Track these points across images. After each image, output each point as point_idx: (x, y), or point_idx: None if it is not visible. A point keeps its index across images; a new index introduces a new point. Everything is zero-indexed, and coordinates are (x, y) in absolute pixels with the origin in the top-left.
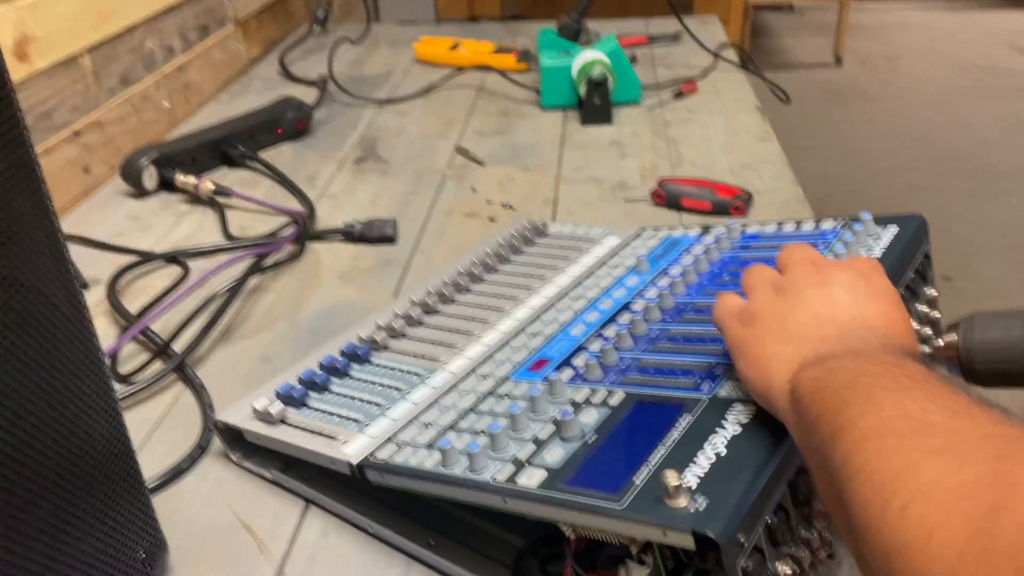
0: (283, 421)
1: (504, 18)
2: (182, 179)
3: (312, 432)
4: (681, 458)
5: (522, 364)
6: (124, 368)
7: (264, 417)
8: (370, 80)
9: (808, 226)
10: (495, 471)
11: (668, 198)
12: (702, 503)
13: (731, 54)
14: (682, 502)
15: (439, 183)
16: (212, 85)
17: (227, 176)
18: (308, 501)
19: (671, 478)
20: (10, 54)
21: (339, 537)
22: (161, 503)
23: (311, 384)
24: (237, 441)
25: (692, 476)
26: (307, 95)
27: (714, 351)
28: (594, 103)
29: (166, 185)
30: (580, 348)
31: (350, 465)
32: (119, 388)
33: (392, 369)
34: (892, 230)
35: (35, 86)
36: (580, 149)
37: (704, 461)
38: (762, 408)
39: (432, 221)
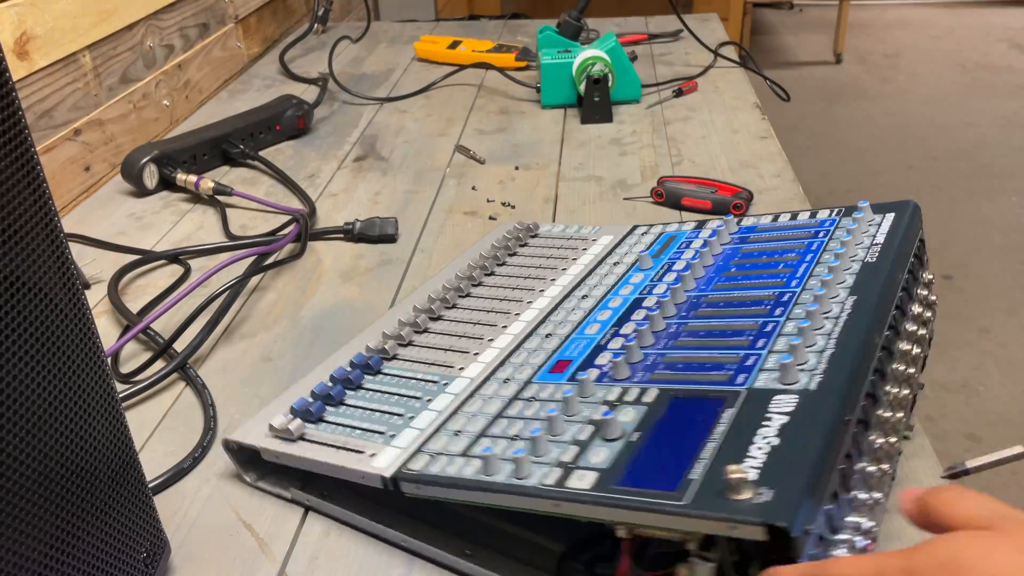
0: (303, 437)
1: (504, 16)
2: (183, 178)
3: (336, 447)
4: (734, 451)
5: (543, 366)
6: (125, 368)
7: (283, 434)
8: (370, 78)
9: (804, 216)
10: (542, 475)
11: (668, 197)
12: (767, 494)
13: (731, 52)
14: (746, 494)
15: (439, 181)
16: (212, 83)
17: (227, 175)
18: (330, 517)
19: (735, 471)
20: (11, 52)
21: (340, 537)
22: (163, 503)
23: (326, 398)
24: (250, 461)
25: (750, 468)
26: (307, 93)
27: (739, 343)
28: (594, 101)
29: (167, 184)
30: (600, 347)
31: (383, 479)
32: (120, 388)
33: (407, 378)
34: (889, 217)
35: (36, 84)
36: (580, 147)
37: (758, 452)
38: (806, 398)
39: (433, 220)
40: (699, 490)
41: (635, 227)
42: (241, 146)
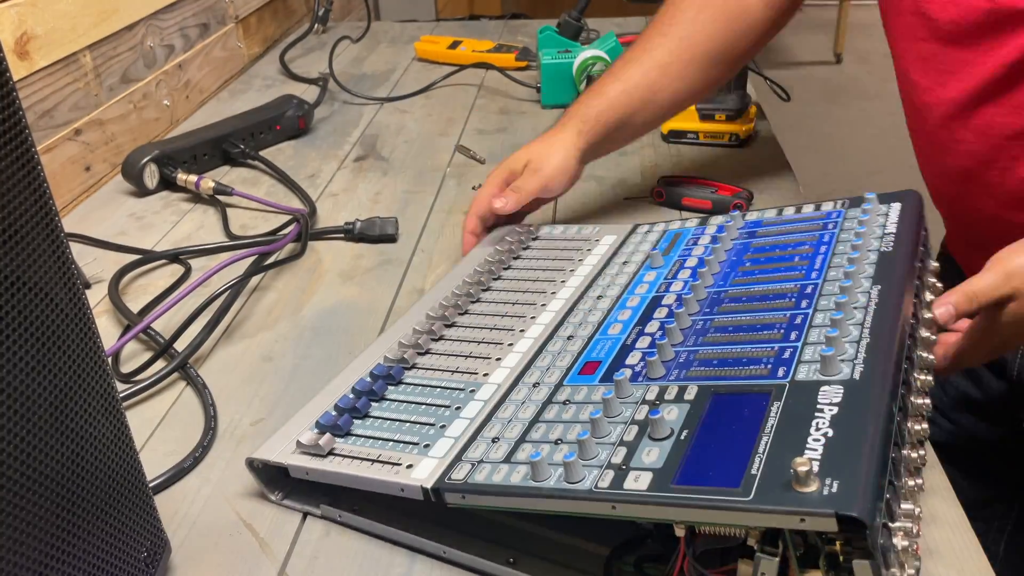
0: (332, 452)
1: (504, 16)
2: (183, 178)
3: (370, 460)
4: (791, 444)
5: (571, 368)
6: (126, 367)
7: (312, 450)
8: (371, 78)
9: (808, 209)
10: (594, 478)
11: (668, 197)
12: (833, 485)
13: None
14: (812, 487)
15: (440, 181)
16: (213, 83)
17: (228, 174)
18: (365, 532)
19: (802, 463)
20: (11, 52)
21: (341, 536)
22: (163, 502)
23: (352, 410)
24: (274, 480)
25: (810, 460)
26: (308, 93)
27: (771, 337)
28: None
29: (167, 184)
30: (627, 347)
31: (424, 490)
32: (121, 387)
33: (431, 387)
34: (895, 207)
35: (36, 84)
36: None
37: (816, 444)
38: (851, 388)
39: (433, 220)
40: (763, 485)
41: (636, 226)
42: (241, 146)
